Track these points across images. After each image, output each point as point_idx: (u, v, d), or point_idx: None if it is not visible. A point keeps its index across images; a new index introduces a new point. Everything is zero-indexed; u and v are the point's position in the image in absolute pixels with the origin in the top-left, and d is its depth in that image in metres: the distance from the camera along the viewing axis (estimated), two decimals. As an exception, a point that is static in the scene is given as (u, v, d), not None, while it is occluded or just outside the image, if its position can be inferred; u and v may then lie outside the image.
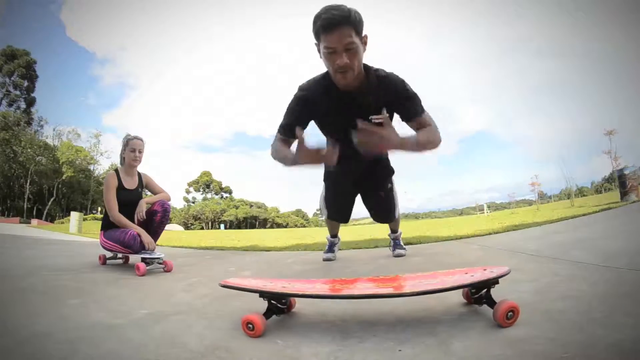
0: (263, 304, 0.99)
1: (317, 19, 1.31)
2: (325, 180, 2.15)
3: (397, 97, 1.51)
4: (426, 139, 1.42)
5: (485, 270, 0.97)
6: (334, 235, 2.43)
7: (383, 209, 2.18)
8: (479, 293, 0.95)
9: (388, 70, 1.57)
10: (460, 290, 1.06)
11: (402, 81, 1.53)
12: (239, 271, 2.20)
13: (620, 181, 7.82)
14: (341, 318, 1.02)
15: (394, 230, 2.39)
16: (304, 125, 1.57)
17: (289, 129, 1.53)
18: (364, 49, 1.40)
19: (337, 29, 1.28)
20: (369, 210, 2.19)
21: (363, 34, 1.37)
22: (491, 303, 0.90)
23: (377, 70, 1.52)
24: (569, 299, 1.01)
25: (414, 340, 0.81)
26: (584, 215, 4.48)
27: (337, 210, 2.21)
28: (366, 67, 1.51)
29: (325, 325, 0.97)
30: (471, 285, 0.93)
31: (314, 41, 1.39)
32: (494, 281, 0.91)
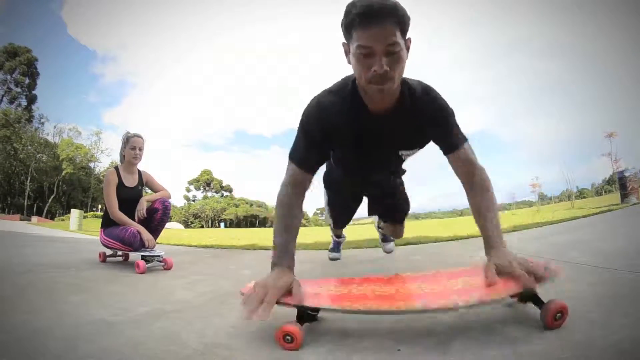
0: (284, 309, 0.90)
1: (352, 6, 0.95)
2: (327, 188, 1.81)
3: (435, 127, 1.13)
4: (493, 207, 1.08)
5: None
6: (338, 235, 2.35)
7: (395, 211, 1.91)
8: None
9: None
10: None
11: (442, 107, 1.12)
12: (238, 269, 2.21)
13: (620, 183, 7.82)
14: (340, 317, 1.02)
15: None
16: (324, 156, 1.19)
17: (308, 161, 1.13)
18: (407, 53, 1.01)
19: (378, 22, 0.92)
20: (378, 214, 2.01)
21: (407, 37, 1.00)
22: (538, 303, 0.84)
23: (409, 85, 1.10)
24: (568, 300, 1.01)
25: (413, 340, 0.82)
26: (584, 216, 4.48)
27: (344, 220, 2.04)
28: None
29: (324, 324, 0.98)
30: (520, 293, 0.85)
31: (342, 40, 1.02)
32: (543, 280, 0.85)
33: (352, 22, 0.95)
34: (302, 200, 1.13)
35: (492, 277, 0.86)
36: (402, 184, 1.82)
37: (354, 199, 1.83)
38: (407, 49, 1.01)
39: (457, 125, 1.15)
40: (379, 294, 0.91)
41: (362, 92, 1.05)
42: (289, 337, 0.80)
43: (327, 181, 1.75)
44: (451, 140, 1.13)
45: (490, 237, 1.00)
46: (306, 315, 0.90)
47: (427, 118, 1.10)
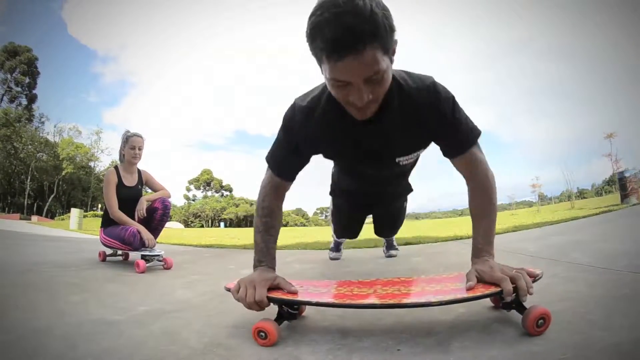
0: (271, 308, 0.93)
1: (317, 29, 0.76)
2: (333, 197, 1.80)
3: (434, 126, 0.98)
4: (489, 222, 1.00)
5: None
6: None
7: (390, 225, 2.02)
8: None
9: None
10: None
11: (439, 100, 0.95)
12: (238, 269, 2.20)
13: (620, 184, 7.82)
14: (340, 316, 1.02)
15: None
16: (305, 162, 1.11)
17: (288, 169, 1.09)
18: (393, 61, 0.85)
19: (353, 53, 0.74)
20: (374, 224, 2.01)
21: (394, 41, 0.81)
22: (520, 309, 0.82)
23: (398, 82, 0.94)
24: (568, 301, 1.02)
25: (412, 340, 0.82)
26: (584, 217, 4.48)
27: (348, 232, 1.99)
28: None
29: (324, 324, 0.98)
30: (498, 293, 0.83)
31: (310, 53, 0.83)
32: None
33: (320, 50, 0.78)
34: (282, 203, 1.11)
35: (472, 282, 0.86)
36: (405, 203, 1.85)
37: (358, 214, 1.82)
38: (393, 53, 0.84)
39: (465, 122, 0.99)
40: (356, 294, 0.93)
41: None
42: (262, 333, 0.82)
43: (334, 190, 1.70)
44: (454, 142, 1.00)
45: (476, 245, 0.98)
46: (286, 313, 0.92)
47: (422, 116, 0.96)
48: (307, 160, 1.10)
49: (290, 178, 1.10)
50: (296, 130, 1.01)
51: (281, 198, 1.10)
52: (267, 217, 1.06)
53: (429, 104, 0.94)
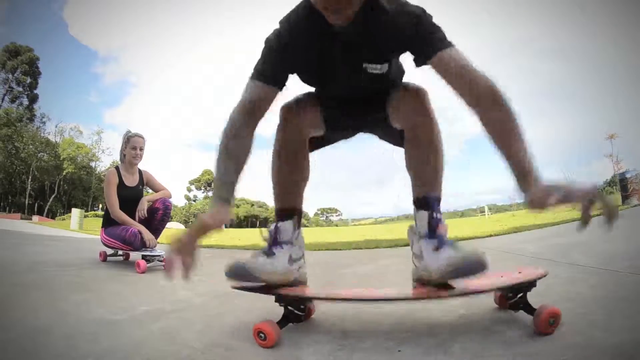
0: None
1: None
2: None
3: (411, 35, 0.89)
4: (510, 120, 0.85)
5: (520, 272, 0.92)
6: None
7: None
8: (514, 297, 0.88)
9: None
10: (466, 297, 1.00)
11: (417, 14, 0.89)
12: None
13: (621, 185, 7.82)
14: (341, 317, 1.02)
15: (427, 200, 0.96)
16: (286, 76, 1.00)
17: (273, 76, 0.96)
18: None
19: None
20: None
21: None
22: (529, 309, 0.83)
23: None
24: (568, 301, 1.01)
25: (413, 341, 0.82)
26: (585, 218, 4.46)
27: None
28: None
29: (326, 324, 0.98)
30: (506, 288, 0.84)
31: None
32: (530, 284, 0.85)
33: None
34: (253, 128, 0.94)
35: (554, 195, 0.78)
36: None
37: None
38: None
39: (440, 29, 0.91)
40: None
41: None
42: (262, 335, 0.82)
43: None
44: (431, 41, 0.89)
45: (522, 169, 0.81)
46: (292, 315, 0.92)
47: (401, 28, 0.89)
48: (288, 72, 0.99)
49: (273, 82, 0.96)
50: (276, 44, 0.95)
51: (254, 120, 0.94)
52: (229, 142, 0.91)
53: (401, 18, 0.88)
